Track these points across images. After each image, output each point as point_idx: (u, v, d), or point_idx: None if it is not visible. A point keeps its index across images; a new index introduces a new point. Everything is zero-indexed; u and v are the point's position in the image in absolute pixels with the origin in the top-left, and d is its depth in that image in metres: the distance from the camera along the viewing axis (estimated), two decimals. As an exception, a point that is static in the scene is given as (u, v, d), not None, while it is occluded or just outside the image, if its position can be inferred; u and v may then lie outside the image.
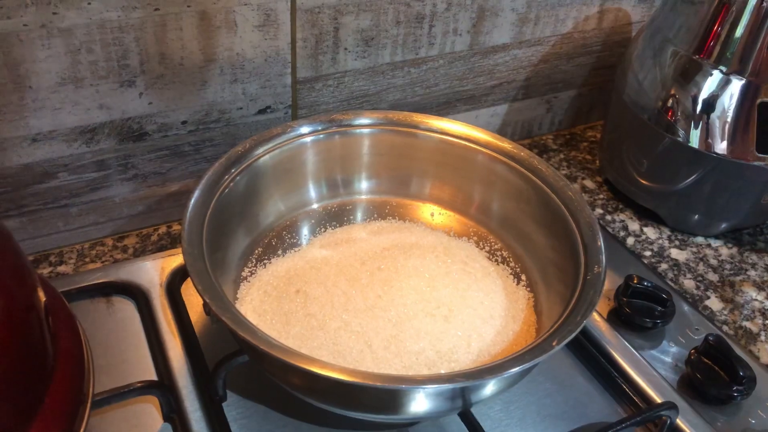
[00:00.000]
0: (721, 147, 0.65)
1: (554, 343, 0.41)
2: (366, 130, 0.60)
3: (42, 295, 0.40)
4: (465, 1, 0.68)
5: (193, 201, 0.49)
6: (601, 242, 0.50)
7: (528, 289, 0.55)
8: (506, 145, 0.59)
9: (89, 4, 0.51)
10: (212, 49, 0.58)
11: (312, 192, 0.61)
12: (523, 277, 0.56)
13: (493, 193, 0.60)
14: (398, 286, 0.52)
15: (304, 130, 0.59)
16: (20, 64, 0.51)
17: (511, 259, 0.58)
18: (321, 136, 0.59)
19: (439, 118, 0.61)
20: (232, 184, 0.53)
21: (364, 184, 0.62)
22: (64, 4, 0.50)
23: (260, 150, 0.56)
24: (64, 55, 0.52)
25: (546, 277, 0.54)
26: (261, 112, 0.64)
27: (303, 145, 0.59)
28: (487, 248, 0.59)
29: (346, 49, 0.65)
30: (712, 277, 0.67)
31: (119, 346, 0.53)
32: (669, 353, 0.58)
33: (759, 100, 0.63)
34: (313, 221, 0.57)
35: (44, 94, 0.53)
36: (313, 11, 0.60)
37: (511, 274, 0.56)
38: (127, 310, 0.56)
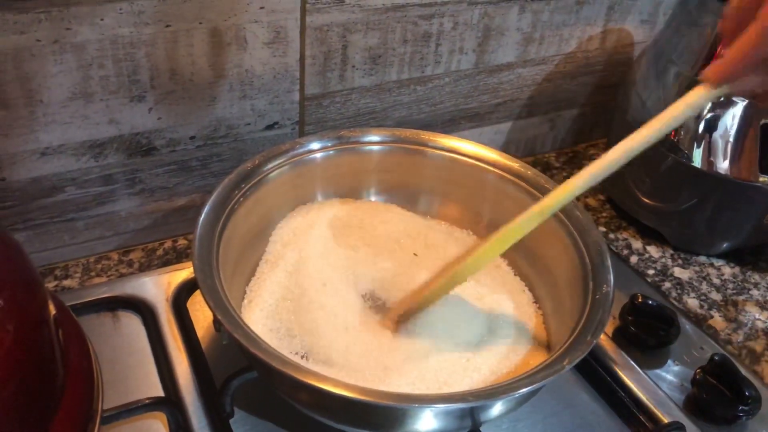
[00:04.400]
0: (723, 167, 0.65)
1: (565, 363, 0.42)
2: (375, 147, 0.61)
3: (52, 310, 0.40)
4: (471, 21, 0.69)
5: (203, 216, 0.49)
6: (609, 262, 0.50)
7: (537, 306, 0.55)
8: (514, 164, 0.59)
9: (102, 20, 0.51)
10: (222, 66, 0.58)
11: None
12: (532, 296, 0.56)
13: (501, 211, 0.59)
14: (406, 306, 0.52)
15: (314, 146, 0.59)
16: (32, 79, 0.51)
17: (519, 278, 0.58)
18: (330, 152, 0.59)
19: (447, 137, 0.62)
20: (242, 199, 0.53)
21: (372, 201, 0.63)
22: (77, 20, 0.50)
23: (270, 165, 0.56)
24: (76, 70, 0.52)
25: (554, 296, 0.54)
26: (269, 127, 0.64)
27: (312, 161, 0.59)
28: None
29: (353, 66, 0.65)
30: (716, 296, 0.67)
31: (125, 361, 0.53)
32: (674, 372, 0.58)
33: (761, 121, 0.63)
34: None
35: (55, 109, 0.53)
36: (322, 29, 0.61)
37: (520, 292, 0.57)
38: (132, 324, 0.56)
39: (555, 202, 0.46)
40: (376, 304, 0.53)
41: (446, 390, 0.45)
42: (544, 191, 0.57)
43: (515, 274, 0.58)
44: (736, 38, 0.39)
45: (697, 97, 0.41)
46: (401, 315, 0.51)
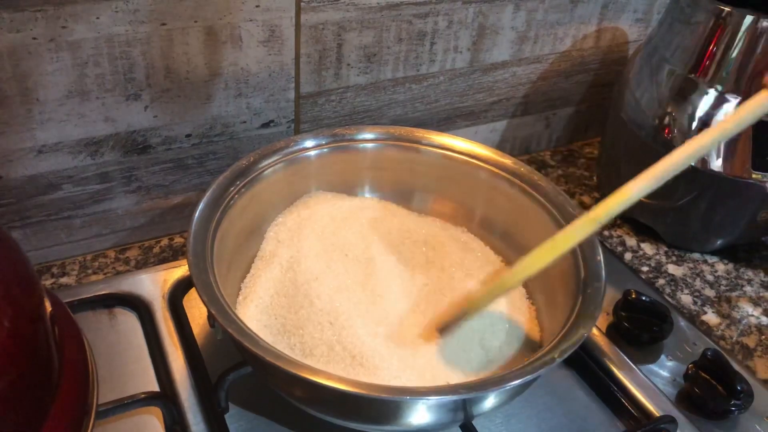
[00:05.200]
0: (717, 164, 0.65)
1: (556, 356, 0.42)
2: (369, 145, 0.61)
3: (48, 306, 0.41)
4: (466, 19, 0.69)
5: (198, 213, 0.50)
6: (600, 257, 0.51)
7: (530, 301, 0.56)
8: (507, 160, 0.60)
9: (98, 18, 0.52)
10: (217, 64, 0.58)
11: (315, 205, 0.61)
12: (524, 291, 0.57)
13: (494, 207, 0.60)
14: (404, 294, 0.53)
15: (308, 143, 0.59)
16: (28, 77, 0.52)
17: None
18: (324, 150, 0.60)
19: (441, 134, 0.62)
20: (237, 196, 0.53)
21: (366, 197, 0.63)
22: (73, 18, 0.51)
23: (264, 163, 0.56)
24: (72, 68, 0.53)
25: (546, 291, 0.54)
26: (264, 125, 0.65)
27: (307, 158, 0.59)
28: (488, 261, 0.60)
29: (348, 64, 0.65)
30: (709, 292, 0.67)
31: (121, 357, 0.53)
32: (667, 368, 0.58)
33: (754, 119, 0.64)
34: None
35: (51, 107, 0.54)
36: (317, 27, 0.61)
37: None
38: (129, 321, 0.57)
39: (610, 208, 0.45)
40: (373, 298, 0.54)
41: (438, 383, 0.46)
42: (538, 188, 0.58)
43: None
44: None
45: (761, 102, 0.42)
46: (443, 324, 0.50)
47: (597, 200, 0.79)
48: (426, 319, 0.52)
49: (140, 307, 0.57)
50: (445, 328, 0.50)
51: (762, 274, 0.70)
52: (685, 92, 0.66)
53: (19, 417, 0.35)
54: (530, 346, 0.51)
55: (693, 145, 0.43)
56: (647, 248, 0.73)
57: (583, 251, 0.51)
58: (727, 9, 0.62)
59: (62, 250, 0.62)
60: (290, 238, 0.56)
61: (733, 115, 0.43)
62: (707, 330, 0.63)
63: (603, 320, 0.61)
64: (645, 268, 0.70)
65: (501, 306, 0.54)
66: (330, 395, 0.42)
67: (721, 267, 0.71)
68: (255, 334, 0.42)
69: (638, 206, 0.73)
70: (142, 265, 0.63)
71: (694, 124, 0.66)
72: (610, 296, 0.62)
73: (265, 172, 0.56)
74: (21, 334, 0.36)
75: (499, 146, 0.83)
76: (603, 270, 0.50)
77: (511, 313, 0.53)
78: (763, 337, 0.63)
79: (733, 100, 0.64)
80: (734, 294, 0.68)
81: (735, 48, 0.63)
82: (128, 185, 0.62)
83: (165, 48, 0.55)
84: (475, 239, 0.61)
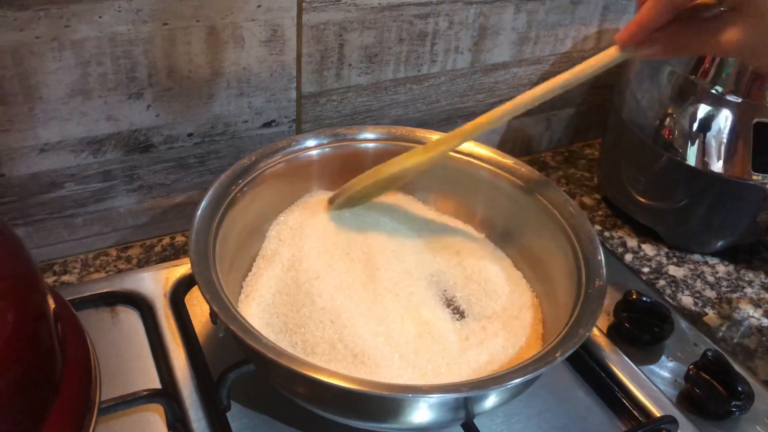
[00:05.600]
0: (717, 165, 0.66)
1: (557, 355, 0.42)
2: (370, 145, 0.61)
3: (51, 303, 0.41)
4: (467, 20, 0.69)
5: (200, 211, 0.50)
6: (601, 256, 0.51)
7: (536, 300, 0.56)
8: (508, 161, 0.60)
9: (100, 17, 0.52)
10: (219, 63, 0.59)
11: (316, 204, 0.62)
12: (530, 288, 0.57)
13: (495, 207, 0.60)
14: (407, 292, 0.53)
15: (310, 143, 0.59)
16: (31, 76, 0.52)
17: (520, 272, 0.59)
18: (326, 149, 0.60)
19: (442, 134, 0.62)
20: (239, 195, 0.53)
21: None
22: (76, 18, 0.51)
23: (266, 162, 0.56)
24: (75, 67, 0.53)
25: (547, 291, 0.55)
26: (266, 125, 0.65)
27: (308, 158, 0.59)
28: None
29: (350, 65, 0.66)
30: (710, 293, 0.68)
31: (123, 355, 0.53)
32: (668, 368, 0.58)
33: (754, 120, 0.64)
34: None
35: (54, 105, 0.54)
36: (318, 28, 0.62)
37: (519, 283, 0.57)
38: (131, 319, 0.57)
39: (474, 127, 0.53)
40: (375, 295, 0.54)
41: (440, 382, 0.46)
42: (538, 188, 0.58)
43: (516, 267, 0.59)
44: (641, 7, 0.43)
45: (608, 56, 0.46)
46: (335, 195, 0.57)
47: (598, 201, 0.79)
48: (429, 317, 0.52)
49: (142, 305, 0.57)
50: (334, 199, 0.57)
51: (763, 276, 0.70)
52: (685, 93, 0.67)
53: (22, 414, 0.35)
54: (532, 345, 0.51)
55: (540, 88, 0.51)
56: (648, 249, 0.73)
57: (584, 250, 0.51)
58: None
59: (64, 248, 0.62)
60: (291, 237, 0.56)
61: (584, 64, 0.48)
62: (708, 331, 0.63)
63: (604, 321, 0.61)
64: (646, 269, 0.70)
65: (505, 305, 0.54)
66: (332, 393, 0.42)
67: (721, 268, 0.71)
68: (257, 331, 0.42)
69: (639, 208, 0.74)
70: (144, 263, 0.64)
71: (695, 125, 0.66)
72: (611, 297, 0.62)
73: (267, 171, 0.56)
74: (24, 331, 0.36)
75: (500, 147, 0.82)
76: (604, 270, 0.50)
77: (514, 313, 0.53)
78: (764, 338, 0.63)
79: (733, 101, 0.64)
80: (735, 295, 0.68)
81: (735, 49, 0.63)
82: (130, 184, 0.62)
83: (167, 47, 0.56)
84: (478, 233, 0.61)
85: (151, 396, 0.48)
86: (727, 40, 0.40)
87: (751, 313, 0.66)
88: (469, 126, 0.53)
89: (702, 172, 0.66)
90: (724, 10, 0.41)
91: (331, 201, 0.58)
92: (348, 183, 0.57)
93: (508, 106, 0.52)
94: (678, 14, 0.42)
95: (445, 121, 0.76)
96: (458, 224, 0.62)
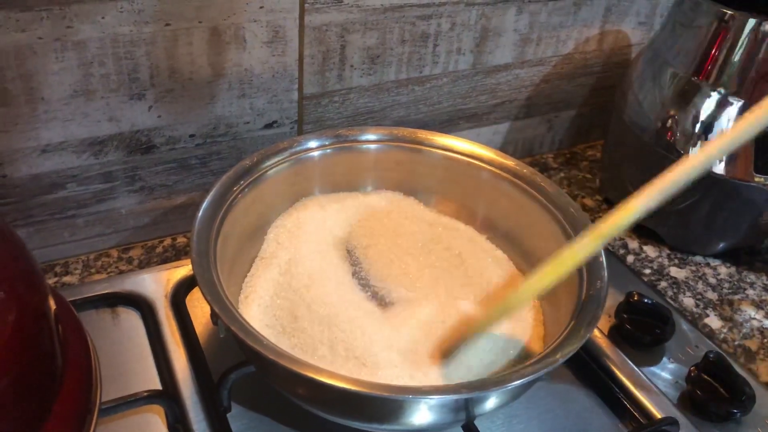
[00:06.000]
0: (719, 167, 0.66)
1: (558, 357, 0.42)
2: (372, 146, 0.61)
3: (53, 304, 0.41)
4: (469, 22, 0.69)
5: (201, 212, 0.50)
6: (602, 258, 0.51)
7: (537, 302, 0.56)
8: (509, 162, 0.60)
9: (103, 18, 0.52)
10: (221, 64, 0.59)
11: (318, 206, 0.62)
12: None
13: (496, 208, 0.60)
14: (407, 293, 0.53)
15: (311, 144, 0.59)
16: (33, 76, 0.52)
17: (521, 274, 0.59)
18: (328, 150, 0.60)
19: (444, 135, 0.62)
20: (240, 196, 0.53)
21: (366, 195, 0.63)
22: (78, 18, 0.51)
23: (268, 163, 0.56)
24: (77, 67, 0.53)
25: (549, 292, 0.54)
26: (267, 126, 0.65)
27: (310, 159, 0.59)
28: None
29: (352, 66, 0.66)
30: (711, 295, 0.67)
31: (124, 356, 0.53)
32: (669, 370, 0.58)
33: (757, 122, 0.64)
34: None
35: (56, 106, 0.54)
36: (320, 29, 0.62)
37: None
38: (132, 320, 0.57)
39: (616, 223, 0.42)
40: (373, 297, 0.54)
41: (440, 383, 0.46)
42: (540, 189, 0.58)
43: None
44: None
45: (756, 116, 0.39)
46: (444, 350, 0.48)
47: (599, 203, 0.79)
48: (429, 318, 0.52)
49: (143, 306, 0.57)
50: (446, 352, 0.48)
51: (764, 278, 0.70)
52: (687, 95, 0.67)
53: (23, 414, 0.35)
54: (533, 347, 0.51)
55: (700, 156, 0.41)
56: (649, 251, 0.73)
57: (585, 252, 0.51)
58: (729, 12, 0.63)
59: (65, 249, 0.63)
60: (289, 240, 0.56)
61: (742, 122, 0.40)
62: (709, 333, 0.63)
63: (605, 322, 0.61)
64: (647, 271, 0.70)
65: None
66: (332, 394, 0.42)
67: (723, 270, 0.71)
68: (258, 332, 0.42)
69: (640, 209, 0.73)
70: (145, 264, 0.64)
71: (697, 127, 0.66)
72: (613, 298, 0.62)
73: (269, 172, 0.56)
74: (25, 331, 0.36)
75: (502, 148, 0.83)
76: (605, 272, 0.50)
77: (515, 315, 0.53)
78: (766, 340, 0.63)
79: (735, 103, 0.64)
80: (737, 297, 0.68)
81: (737, 51, 0.63)
82: (132, 185, 0.62)
83: (169, 48, 0.56)
84: (480, 235, 0.61)
85: (151, 397, 0.48)
86: None
87: (752, 315, 0.65)
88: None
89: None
90: None
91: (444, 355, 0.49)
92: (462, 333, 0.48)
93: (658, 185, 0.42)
94: None
95: (447, 123, 0.76)
96: (460, 225, 0.62)
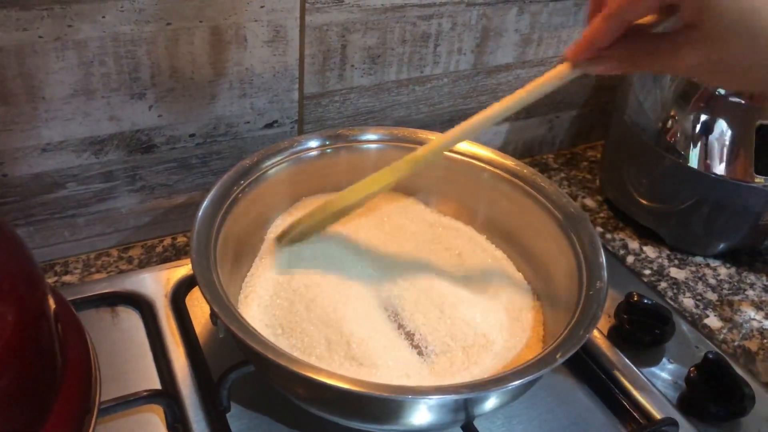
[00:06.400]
0: (720, 168, 0.66)
1: (558, 357, 0.42)
2: (372, 146, 0.61)
3: (52, 303, 0.41)
4: (470, 22, 0.69)
5: (201, 211, 0.50)
6: (603, 258, 0.51)
7: (537, 303, 0.56)
8: (509, 162, 0.60)
9: (104, 17, 0.52)
10: (222, 64, 0.59)
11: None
12: (531, 290, 0.57)
13: (496, 209, 0.60)
14: (408, 293, 0.53)
15: (312, 144, 0.59)
16: (34, 76, 0.52)
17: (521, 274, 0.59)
18: (328, 150, 0.60)
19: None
20: (240, 195, 0.53)
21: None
22: (79, 17, 0.51)
23: (268, 163, 0.56)
24: (78, 67, 0.53)
25: (549, 292, 0.55)
26: (268, 126, 0.65)
27: (310, 158, 0.59)
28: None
29: (352, 66, 0.66)
30: (711, 296, 0.67)
31: (124, 355, 0.54)
32: (669, 370, 0.58)
33: (757, 123, 0.64)
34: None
35: (56, 105, 0.54)
36: (321, 28, 0.62)
37: (521, 286, 0.57)
38: (131, 319, 0.57)
39: (431, 151, 0.50)
40: (373, 297, 0.54)
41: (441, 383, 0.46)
42: (540, 190, 0.58)
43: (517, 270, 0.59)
44: (590, 21, 0.41)
45: (559, 73, 0.44)
46: (287, 232, 0.55)
47: (600, 203, 0.79)
48: (425, 317, 0.52)
49: (143, 305, 0.57)
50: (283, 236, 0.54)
51: (764, 278, 0.70)
52: (688, 95, 0.67)
53: (22, 413, 0.36)
54: (532, 347, 0.51)
55: (493, 109, 0.47)
56: (650, 251, 0.73)
57: (585, 253, 0.51)
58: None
59: (65, 248, 0.63)
60: (298, 236, 0.56)
61: (535, 82, 0.45)
62: (709, 333, 0.63)
63: (605, 323, 0.61)
64: (647, 271, 0.70)
65: (506, 307, 0.54)
66: (332, 394, 0.42)
67: (723, 271, 0.71)
68: (257, 331, 0.42)
69: (641, 210, 0.74)
70: (145, 264, 0.64)
71: (697, 128, 0.66)
72: (612, 299, 0.62)
73: (269, 171, 0.57)
74: (25, 330, 0.36)
75: (502, 149, 0.83)
76: (605, 272, 0.50)
77: (515, 315, 0.53)
78: (765, 341, 0.63)
79: (736, 104, 0.64)
80: (736, 298, 0.68)
81: (738, 52, 0.63)
82: (132, 184, 0.62)
83: (170, 47, 0.56)
84: (480, 235, 0.61)
85: (151, 396, 0.48)
86: (683, 60, 0.38)
87: (752, 316, 0.65)
88: (421, 151, 0.51)
89: (704, 174, 0.66)
90: (680, 26, 0.38)
91: (279, 239, 0.56)
92: (297, 218, 0.55)
93: (457, 130, 0.49)
94: (631, 29, 0.40)
95: (448, 123, 0.76)
96: (459, 226, 0.62)
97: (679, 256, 0.72)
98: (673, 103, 0.68)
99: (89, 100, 0.55)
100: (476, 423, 0.48)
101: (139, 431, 0.49)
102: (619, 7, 0.39)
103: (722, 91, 0.64)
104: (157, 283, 0.59)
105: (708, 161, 0.66)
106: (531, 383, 0.44)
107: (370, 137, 0.62)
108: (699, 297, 0.67)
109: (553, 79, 0.44)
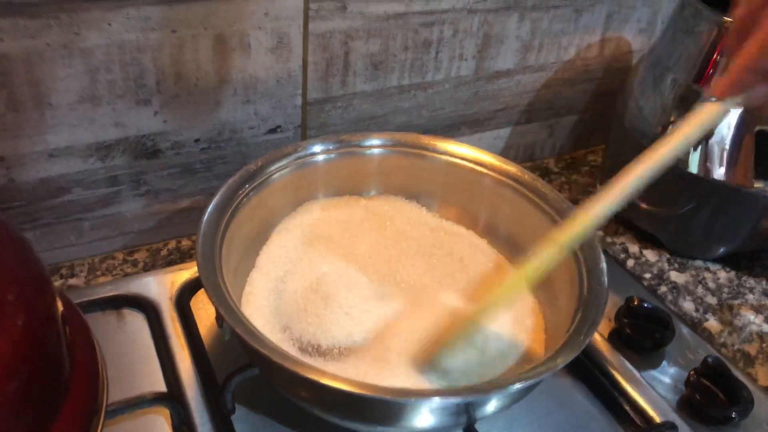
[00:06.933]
0: (719, 173, 0.66)
1: (558, 361, 0.42)
2: (375, 151, 0.62)
3: (60, 306, 0.41)
4: (471, 28, 0.70)
5: (207, 215, 0.50)
6: (603, 263, 0.51)
7: (538, 307, 0.56)
8: (511, 167, 0.60)
9: (110, 25, 0.53)
10: (226, 71, 0.59)
11: (321, 210, 0.62)
12: (532, 296, 0.57)
13: (498, 214, 0.61)
14: (409, 297, 0.54)
15: (315, 149, 0.60)
16: (41, 82, 0.53)
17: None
18: (332, 155, 0.61)
19: (446, 141, 0.63)
20: (245, 200, 0.54)
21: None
22: (85, 25, 0.52)
23: (272, 168, 0.57)
24: (84, 74, 0.54)
25: (549, 297, 0.55)
26: (271, 131, 0.65)
27: (314, 163, 0.60)
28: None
29: (355, 72, 0.66)
30: (711, 300, 0.68)
31: (129, 358, 0.54)
32: (668, 374, 0.59)
33: (757, 128, 0.64)
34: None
35: (63, 112, 0.55)
36: (324, 36, 0.62)
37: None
38: (137, 322, 0.57)
39: (575, 231, 0.44)
40: (374, 300, 0.54)
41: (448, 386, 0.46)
42: (541, 195, 0.58)
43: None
44: (738, 51, 0.39)
45: (708, 113, 0.41)
46: (429, 354, 0.48)
47: (600, 208, 0.80)
48: (431, 320, 0.52)
49: (148, 308, 0.57)
50: (431, 357, 0.47)
51: (764, 282, 0.71)
52: (687, 101, 0.67)
53: (31, 416, 0.36)
54: (533, 351, 0.52)
55: (642, 165, 0.43)
56: (650, 255, 0.73)
57: (585, 258, 0.52)
58: (730, 19, 0.63)
59: (71, 251, 0.63)
60: (293, 244, 0.57)
61: (683, 128, 0.42)
62: (709, 337, 0.63)
63: (605, 327, 0.62)
64: (647, 275, 0.70)
65: (507, 312, 0.54)
66: (335, 396, 0.42)
67: (723, 275, 0.71)
68: (262, 334, 0.43)
69: (641, 214, 0.74)
70: (150, 267, 0.64)
71: (697, 133, 0.66)
72: (613, 303, 0.62)
73: (273, 176, 0.57)
74: (33, 333, 0.36)
75: (503, 153, 0.83)
76: (605, 277, 0.50)
77: (516, 319, 0.54)
78: (765, 344, 0.63)
79: (735, 109, 0.64)
80: (736, 302, 0.68)
81: (737, 58, 0.63)
82: (137, 189, 0.62)
83: (175, 54, 0.56)
84: (481, 240, 0.62)
85: (156, 399, 0.49)
86: None
87: (752, 320, 0.66)
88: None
89: (704, 179, 0.67)
90: None
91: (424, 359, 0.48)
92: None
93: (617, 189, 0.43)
94: None
95: (449, 128, 0.77)
96: (461, 230, 0.62)
97: (679, 260, 0.73)
98: (673, 108, 0.68)
99: (95, 107, 0.56)
100: (477, 426, 0.48)
101: (144, 433, 0.49)
102: None
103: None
104: (162, 286, 0.59)
105: (708, 166, 0.66)
106: (532, 387, 0.44)
107: (373, 142, 0.62)
108: (699, 301, 0.68)
109: (703, 122, 0.41)
